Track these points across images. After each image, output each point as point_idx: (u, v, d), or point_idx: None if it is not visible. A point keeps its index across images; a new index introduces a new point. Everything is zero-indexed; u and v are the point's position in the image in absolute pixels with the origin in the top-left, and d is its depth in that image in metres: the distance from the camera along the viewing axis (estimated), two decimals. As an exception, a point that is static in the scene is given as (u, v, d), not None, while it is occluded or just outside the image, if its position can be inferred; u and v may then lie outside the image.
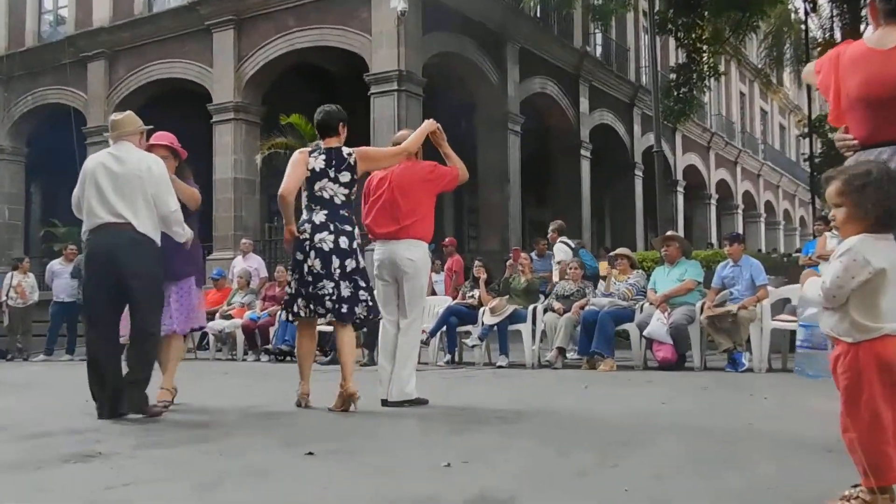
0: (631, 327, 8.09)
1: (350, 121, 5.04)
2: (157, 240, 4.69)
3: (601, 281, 9.02)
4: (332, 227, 4.72)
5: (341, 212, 4.76)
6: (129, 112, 4.91)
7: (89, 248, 4.67)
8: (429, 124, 5.03)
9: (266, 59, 15.84)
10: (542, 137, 19.91)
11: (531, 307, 8.87)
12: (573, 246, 9.93)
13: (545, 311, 8.77)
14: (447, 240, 13.15)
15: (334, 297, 4.68)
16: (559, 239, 10.09)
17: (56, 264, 12.36)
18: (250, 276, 11.83)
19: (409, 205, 4.89)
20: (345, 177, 4.78)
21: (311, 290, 4.72)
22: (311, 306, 4.75)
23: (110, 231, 4.55)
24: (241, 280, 11.68)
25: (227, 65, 16.15)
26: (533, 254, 10.82)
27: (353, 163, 4.81)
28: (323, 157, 4.80)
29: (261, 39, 15.87)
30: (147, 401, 4.61)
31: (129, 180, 4.59)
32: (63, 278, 11.99)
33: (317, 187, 4.77)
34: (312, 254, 4.71)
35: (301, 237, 4.74)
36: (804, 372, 5.88)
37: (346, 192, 4.80)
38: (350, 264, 4.73)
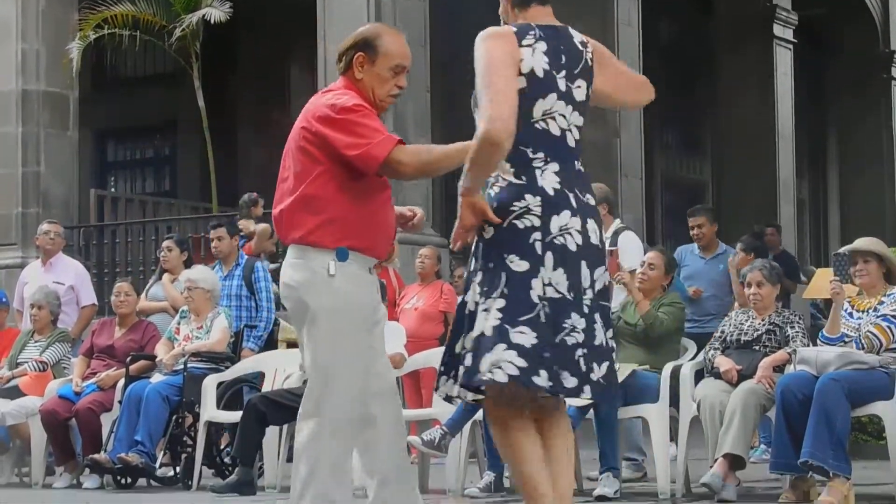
0: (888, 409, 7.78)
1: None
2: None
3: (815, 312, 8.71)
4: (578, 202, 5.19)
5: (578, 166, 5.22)
6: None
7: None
8: None
9: None
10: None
11: (667, 367, 8.31)
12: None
13: (698, 376, 8.37)
14: None
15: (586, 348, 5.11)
16: (615, 224, 10.05)
17: None
18: (59, 304, 11.30)
19: (285, 173, 5.42)
20: (580, 92, 5.17)
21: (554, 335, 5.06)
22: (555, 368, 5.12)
23: None
24: (39, 313, 11.08)
25: None
26: (696, 249, 10.64)
27: (589, 60, 5.23)
28: (544, 45, 5.18)
29: None
30: None
31: None
32: None
33: (539, 110, 5.17)
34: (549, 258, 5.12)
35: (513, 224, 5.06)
36: None
37: (582, 123, 5.24)
38: (604, 278, 5.26)
